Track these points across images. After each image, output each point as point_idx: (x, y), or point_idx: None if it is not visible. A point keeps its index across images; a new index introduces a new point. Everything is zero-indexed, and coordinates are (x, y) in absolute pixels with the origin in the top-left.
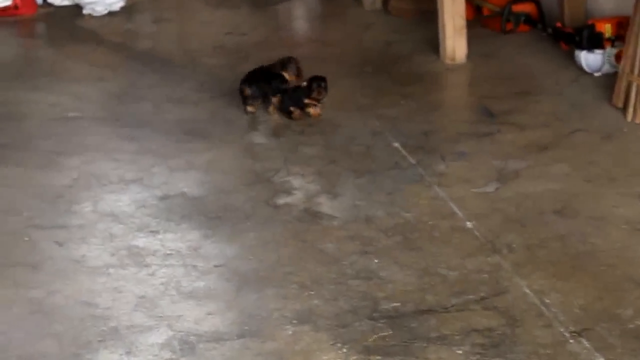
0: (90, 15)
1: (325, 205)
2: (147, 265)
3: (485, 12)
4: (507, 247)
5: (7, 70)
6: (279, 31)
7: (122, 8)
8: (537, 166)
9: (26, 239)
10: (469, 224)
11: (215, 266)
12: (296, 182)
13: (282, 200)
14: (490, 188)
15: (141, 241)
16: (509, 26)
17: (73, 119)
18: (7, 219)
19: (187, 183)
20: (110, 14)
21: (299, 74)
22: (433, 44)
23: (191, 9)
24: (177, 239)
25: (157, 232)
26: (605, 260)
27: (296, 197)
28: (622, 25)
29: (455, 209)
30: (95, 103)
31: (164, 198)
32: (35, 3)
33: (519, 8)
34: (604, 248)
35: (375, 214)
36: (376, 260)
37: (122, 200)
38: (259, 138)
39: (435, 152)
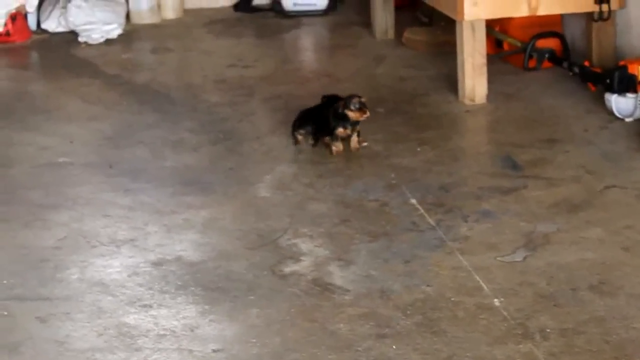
0: (86, 43)
1: (336, 275)
2: (138, 349)
3: (506, 47)
4: (540, 332)
5: None
6: (286, 64)
7: (120, 36)
8: (568, 230)
9: (5, 313)
10: (496, 302)
11: (214, 351)
12: (304, 245)
13: (288, 269)
14: (519, 257)
15: (132, 318)
16: (532, 63)
17: (63, 166)
18: None
19: (184, 245)
20: (108, 41)
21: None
22: (450, 80)
23: (192, 37)
24: (172, 316)
25: (150, 306)
26: None
27: (304, 265)
28: None
29: (481, 283)
30: (87, 146)
31: (158, 264)
32: (28, 29)
33: (542, 44)
34: None
35: (392, 287)
36: (394, 347)
37: (113, 266)
38: (263, 191)
39: (456, 211)
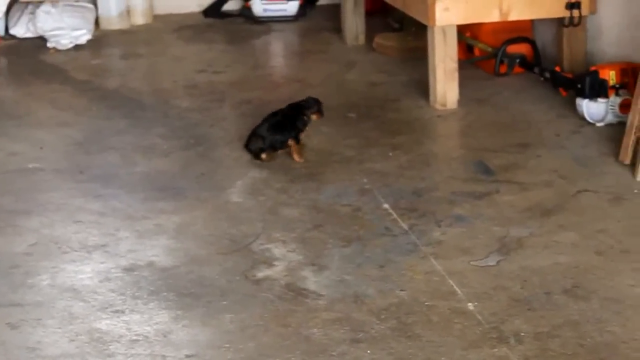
0: (55, 49)
1: (310, 279)
2: (110, 355)
3: (477, 53)
4: (515, 336)
5: None
6: (256, 69)
7: (89, 41)
8: (541, 234)
9: None
10: (470, 306)
11: (187, 356)
12: (277, 250)
13: (261, 274)
14: (492, 261)
15: (104, 323)
16: (503, 68)
17: (33, 172)
18: None
19: (156, 251)
20: (77, 47)
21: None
22: (421, 86)
23: (162, 43)
24: (145, 321)
25: (122, 312)
26: (628, 354)
27: (277, 270)
28: (626, 72)
29: (455, 287)
30: (58, 152)
31: (130, 269)
32: None
33: (513, 49)
34: (625, 338)
35: (366, 291)
36: (369, 351)
37: (84, 272)
38: (235, 196)
39: (429, 216)
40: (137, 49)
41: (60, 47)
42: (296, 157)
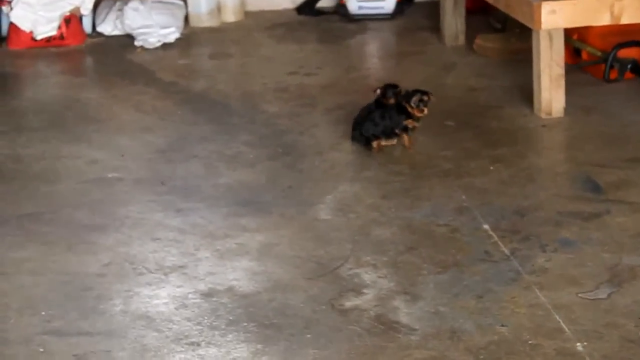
0: (142, 48)
1: (402, 311)
2: None
3: (585, 57)
4: None
5: (47, 117)
6: (350, 71)
7: (178, 40)
8: None
9: (41, 350)
10: (579, 346)
11: None
12: (367, 276)
13: (349, 303)
14: (602, 293)
15: (178, 358)
16: (613, 74)
17: (112, 182)
18: (21, 320)
19: (237, 274)
20: (164, 46)
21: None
22: (525, 92)
23: (253, 42)
24: (222, 357)
25: (198, 344)
26: None
27: (367, 299)
28: None
29: (562, 323)
30: (139, 160)
31: (208, 295)
32: (83, 32)
33: (625, 53)
34: None
35: (463, 326)
36: None
37: (159, 297)
38: (323, 213)
39: (533, 239)
40: (227, 49)
41: (147, 46)
42: (407, 143)
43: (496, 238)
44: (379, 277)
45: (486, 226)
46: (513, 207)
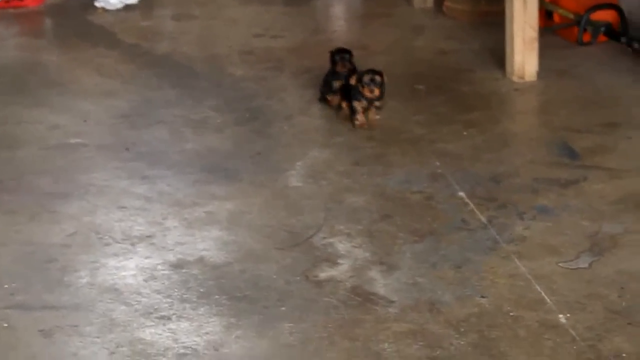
0: (103, 9)
1: (379, 282)
2: None
3: (557, 20)
4: (615, 357)
5: (6, 80)
6: (317, 34)
7: (140, 1)
8: (638, 231)
9: (5, 324)
10: (562, 318)
11: None
12: (341, 245)
13: (324, 274)
14: (583, 262)
15: (148, 333)
16: (587, 37)
17: (75, 147)
18: None
19: (207, 244)
20: (126, 7)
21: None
22: (496, 55)
23: (217, 3)
24: (194, 331)
25: (168, 318)
26: None
27: (342, 269)
28: None
29: (543, 294)
30: (102, 125)
31: (178, 266)
32: None
33: (598, 16)
34: None
35: (442, 298)
36: None
37: (127, 269)
38: (294, 180)
39: (510, 207)
40: (190, 10)
41: (109, 7)
42: (363, 122)
43: (472, 206)
44: (354, 246)
45: (461, 193)
46: (488, 173)
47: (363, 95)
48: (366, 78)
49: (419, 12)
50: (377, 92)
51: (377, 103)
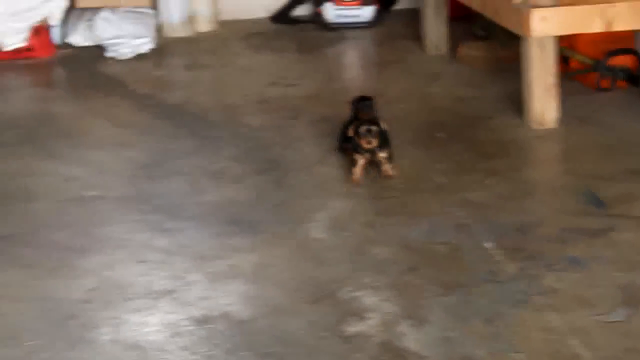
0: (114, 59)
1: (409, 337)
2: None
3: (574, 65)
4: None
5: (18, 132)
6: (332, 82)
7: (151, 50)
8: None
9: None
10: None
11: None
12: (368, 299)
13: (353, 329)
14: (619, 315)
15: None
16: (605, 83)
17: (92, 200)
18: (4, 353)
19: (232, 299)
20: (138, 57)
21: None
22: (515, 101)
23: (229, 52)
24: None
25: None
26: None
27: (371, 324)
28: None
29: (580, 350)
30: (118, 177)
31: (202, 321)
32: (52, 44)
33: (616, 61)
34: None
35: (475, 353)
36: None
37: (150, 324)
38: (317, 231)
39: (538, 257)
40: (203, 59)
41: (120, 57)
42: (385, 173)
43: (499, 257)
44: (381, 300)
45: (487, 244)
46: (513, 223)
47: (362, 147)
48: (362, 129)
49: (433, 58)
50: (374, 142)
51: (381, 154)
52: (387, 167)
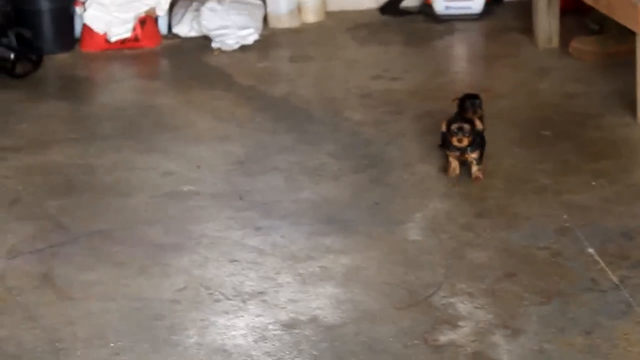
0: (219, 50)
1: (502, 348)
2: None
3: None
4: None
5: (120, 124)
6: (438, 76)
7: (256, 41)
8: None
9: None
10: None
11: None
12: (462, 306)
13: (444, 337)
14: None
15: None
16: None
17: (188, 195)
18: (89, 353)
19: (321, 302)
20: (243, 48)
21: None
22: (626, 98)
23: (335, 44)
24: None
25: None
26: None
27: (463, 333)
28: None
29: None
30: (216, 172)
31: (290, 326)
32: (158, 34)
33: None
34: None
35: None
36: None
37: (237, 327)
38: (413, 233)
39: None
40: (308, 51)
41: (225, 48)
42: (473, 176)
43: (603, 264)
44: (476, 307)
45: (591, 250)
46: (620, 228)
47: (452, 145)
48: (454, 126)
49: (544, 52)
50: (465, 141)
51: (471, 154)
52: (475, 169)
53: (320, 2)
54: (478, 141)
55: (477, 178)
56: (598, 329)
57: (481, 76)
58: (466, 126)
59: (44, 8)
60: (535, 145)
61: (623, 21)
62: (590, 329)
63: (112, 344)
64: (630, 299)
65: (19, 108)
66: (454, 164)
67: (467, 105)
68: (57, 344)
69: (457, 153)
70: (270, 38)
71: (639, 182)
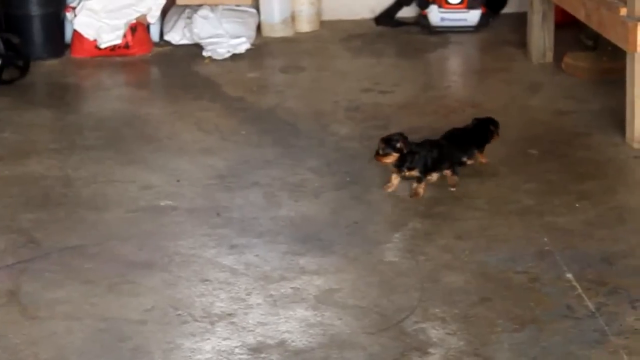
0: (210, 59)
1: None
2: None
3: None
4: None
5: (103, 134)
6: (428, 90)
7: (248, 50)
8: None
9: None
10: None
11: None
12: (434, 332)
13: None
14: None
15: None
16: None
17: (165, 211)
18: None
19: (291, 325)
20: (234, 57)
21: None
22: (616, 117)
23: (327, 54)
24: None
25: None
26: None
27: None
28: None
29: None
30: (195, 186)
31: (256, 350)
32: (149, 41)
33: None
34: None
35: None
36: None
37: (203, 351)
38: (391, 254)
39: (622, 292)
40: (299, 61)
41: (216, 57)
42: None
43: (580, 290)
44: (448, 333)
45: (569, 275)
46: (600, 253)
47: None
48: (380, 144)
49: (537, 67)
50: (391, 158)
51: (407, 173)
52: (415, 186)
53: (314, 11)
54: (418, 159)
55: (416, 194)
56: (570, 359)
57: (472, 90)
58: (396, 143)
59: (34, 13)
60: (521, 164)
61: (613, 39)
62: (562, 358)
63: None
64: (606, 328)
65: (3, 116)
66: (394, 180)
67: (491, 129)
68: None
69: (395, 170)
70: (262, 47)
71: (622, 205)
